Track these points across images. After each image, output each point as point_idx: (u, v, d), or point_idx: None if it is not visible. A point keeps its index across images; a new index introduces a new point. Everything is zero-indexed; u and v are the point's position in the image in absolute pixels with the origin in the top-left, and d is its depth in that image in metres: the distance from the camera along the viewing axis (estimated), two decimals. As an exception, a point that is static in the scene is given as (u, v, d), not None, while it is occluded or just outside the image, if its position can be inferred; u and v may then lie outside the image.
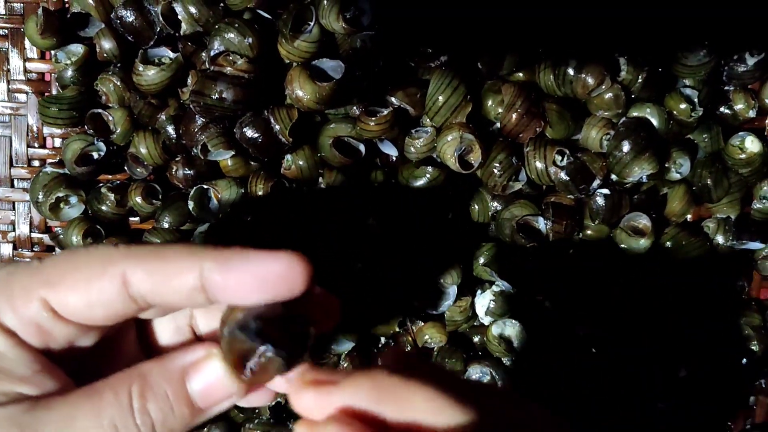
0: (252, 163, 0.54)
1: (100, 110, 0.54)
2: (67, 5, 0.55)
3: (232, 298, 0.26)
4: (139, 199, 0.55)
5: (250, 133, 0.51)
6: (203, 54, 0.53)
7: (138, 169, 0.55)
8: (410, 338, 0.56)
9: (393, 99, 0.53)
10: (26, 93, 0.57)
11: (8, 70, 0.57)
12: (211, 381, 0.27)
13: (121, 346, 0.31)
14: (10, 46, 0.56)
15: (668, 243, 0.56)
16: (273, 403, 0.56)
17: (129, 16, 0.52)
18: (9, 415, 0.25)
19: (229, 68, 0.50)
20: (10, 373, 0.26)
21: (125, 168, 0.56)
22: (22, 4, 0.56)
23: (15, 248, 0.58)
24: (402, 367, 0.26)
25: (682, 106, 0.53)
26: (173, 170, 0.54)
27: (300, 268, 0.26)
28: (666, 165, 0.55)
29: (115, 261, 0.27)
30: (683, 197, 0.56)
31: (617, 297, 0.56)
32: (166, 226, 0.55)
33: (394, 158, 0.54)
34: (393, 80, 0.53)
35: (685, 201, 0.56)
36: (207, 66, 0.52)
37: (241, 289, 0.26)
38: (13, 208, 0.58)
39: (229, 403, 0.28)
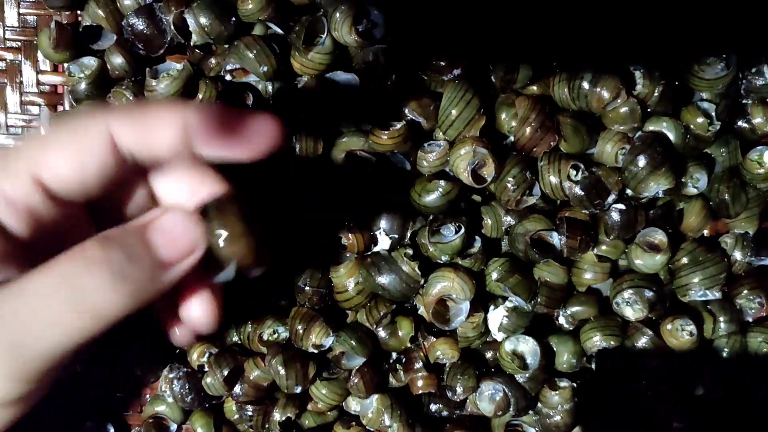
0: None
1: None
2: (80, 19, 0.55)
3: (208, 145, 0.28)
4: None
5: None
6: (212, 60, 0.53)
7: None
8: (422, 354, 0.55)
9: (406, 110, 0.52)
10: (39, 105, 0.57)
11: (21, 83, 0.57)
12: (171, 226, 0.27)
13: None
14: (23, 59, 0.56)
15: (685, 259, 0.55)
16: (283, 419, 0.55)
17: (140, 24, 0.52)
18: None
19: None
20: None
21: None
22: (35, 17, 0.56)
23: (26, 260, 0.58)
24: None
25: (699, 119, 0.53)
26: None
27: (274, 125, 0.28)
28: (682, 179, 0.54)
29: (99, 117, 0.27)
30: (700, 212, 0.55)
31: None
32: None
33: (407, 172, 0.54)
34: (406, 94, 0.52)
35: (702, 216, 0.55)
36: (222, 75, 0.52)
37: (217, 138, 0.27)
38: (25, 220, 0.58)
39: (194, 257, 0.27)
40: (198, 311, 0.31)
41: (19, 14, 0.56)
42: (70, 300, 0.25)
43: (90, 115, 0.27)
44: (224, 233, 0.28)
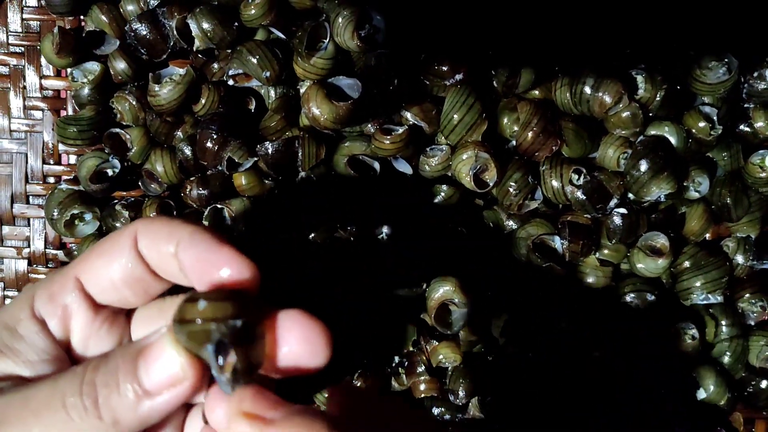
0: (266, 181, 0.54)
1: (118, 129, 0.54)
2: (83, 24, 0.55)
3: (189, 276, 0.27)
4: (153, 216, 0.54)
5: (272, 151, 0.51)
6: (214, 65, 0.54)
7: (152, 186, 0.55)
8: (424, 357, 0.55)
9: (408, 114, 0.52)
10: (42, 110, 0.57)
11: (24, 87, 0.57)
12: (160, 358, 0.26)
13: None
14: (27, 64, 0.57)
15: (687, 263, 0.55)
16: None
17: (143, 29, 0.52)
18: None
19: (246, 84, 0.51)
20: (21, 355, 0.28)
21: (140, 184, 0.56)
22: (38, 22, 0.56)
23: (30, 264, 0.59)
24: (348, 410, 0.27)
25: (701, 124, 0.53)
26: (187, 190, 0.54)
27: (247, 268, 0.26)
28: (684, 183, 0.54)
29: (132, 224, 0.29)
30: (702, 216, 0.55)
31: (633, 318, 0.55)
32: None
33: (409, 176, 0.54)
34: (408, 98, 0.52)
35: (704, 220, 0.55)
36: (225, 80, 0.53)
37: (190, 270, 0.27)
38: (28, 224, 0.58)
39: (181, 393, 0.26)
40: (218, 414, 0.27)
41: (23, 19, 0.56)
42: (58, 419, 0.26)
43: (128, 225, 0.29)
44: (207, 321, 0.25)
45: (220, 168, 0.51)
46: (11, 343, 0.28)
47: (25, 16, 0.56)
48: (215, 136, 0.51)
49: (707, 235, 0.57)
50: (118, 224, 0.55)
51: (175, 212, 0.55)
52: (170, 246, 0.27)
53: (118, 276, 0.29)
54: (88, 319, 0.29)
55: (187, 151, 0.53)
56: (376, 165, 0.53)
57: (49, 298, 0.29)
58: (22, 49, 0.56)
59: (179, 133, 0.54)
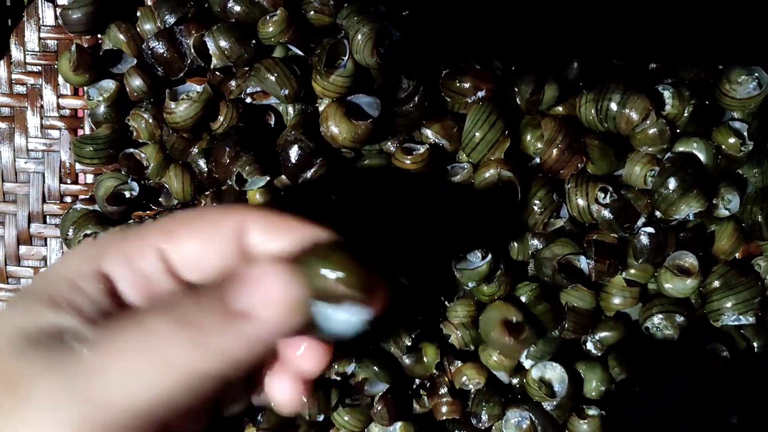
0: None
1: (132, 150, 0.53)
2: (100, 42, 0.54)
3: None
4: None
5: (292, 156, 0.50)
6: (232, 82, 0.53)
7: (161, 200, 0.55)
8: (447, 379, 0.54)
9: (429, 132, 0.51)
10: (59, 129, 0.56)
11: (42, 107, 0.56)
12: (252, 276, 0.25)
13: None
14: (44, 83, 0.56)
15: (716, 282, 0.53)
16: None
17: (160, 47, 0.52)
18: None
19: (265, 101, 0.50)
20: (82, 312, 0.25)
21: (160, 200, 0.55)
22: (56, 41, 0.56)
23: (47, 284, 0.58)
24: None
25: (731, 140, 0.51)
26: (201, 205, 0.53)
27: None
28: (714, 201, 0.52)
29: (237, 211, 0.28)
30: (732, 234, 0.54)
31: (661, 339, 0.53)
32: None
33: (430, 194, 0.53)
34: (428, 115, 0.51)
35: (735, 238, 0.54)
36: (243, 97, 0.52)
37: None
38: (46, 244, 0.58)
39: (283, 305, 0.25)
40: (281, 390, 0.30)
41: (40, 38, 0.56)
42: (144, 352, 0.24)
43: (228, 209, 0.29)
44: (336, 273, 0.25)
45: (229, 183, 0.51)
46: (71, 296, 0.25)
47: (42, 35, 0.56)
48: (228, 150, 0.50)
49: (737, 254, 0.55)
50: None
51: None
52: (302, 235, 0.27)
53: (213, 261, 0.27)
54: (170, 288, 0.27)
55: (202, 163, 0.52)
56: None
57: (123, 259, 0.27)
58: (40, 68, 0.56)
59: (195, 149, 0.53)
